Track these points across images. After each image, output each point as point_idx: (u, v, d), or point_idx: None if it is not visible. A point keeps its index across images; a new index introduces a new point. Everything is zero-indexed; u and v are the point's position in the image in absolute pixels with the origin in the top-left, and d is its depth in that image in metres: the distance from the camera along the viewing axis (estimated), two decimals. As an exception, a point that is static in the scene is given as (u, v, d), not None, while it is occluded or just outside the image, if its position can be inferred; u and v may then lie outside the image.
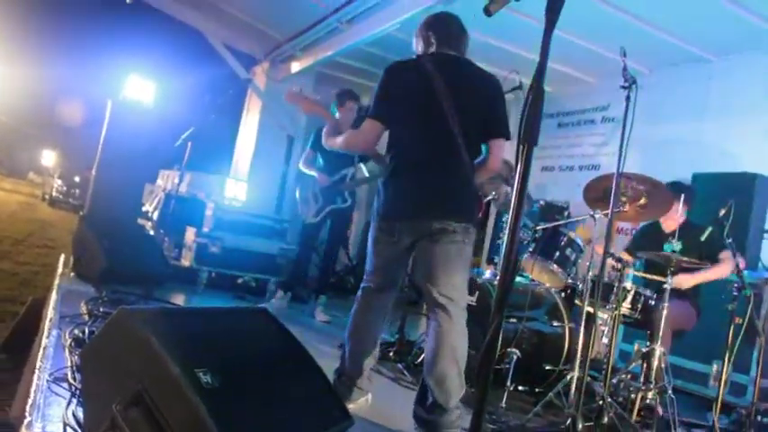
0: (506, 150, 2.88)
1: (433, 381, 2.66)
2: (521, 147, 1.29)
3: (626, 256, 4.17)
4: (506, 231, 1.29)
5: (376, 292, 2.96)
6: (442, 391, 2.65)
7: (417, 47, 3.02)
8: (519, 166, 1.26)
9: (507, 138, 2.86)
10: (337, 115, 5.61)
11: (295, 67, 8.37)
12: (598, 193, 3.78)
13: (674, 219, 4.29)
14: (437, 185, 2.77)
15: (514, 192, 1.25)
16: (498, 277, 1.30)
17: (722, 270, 4.10)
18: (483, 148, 2.86)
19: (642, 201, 3.67)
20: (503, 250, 1.38)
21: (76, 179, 25.93)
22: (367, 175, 5.43)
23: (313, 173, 5.62)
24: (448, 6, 5.10)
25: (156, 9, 8.60)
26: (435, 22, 2.99)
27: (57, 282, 5.09)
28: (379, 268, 2.93)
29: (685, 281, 4.05)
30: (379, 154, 3.03)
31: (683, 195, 4.23)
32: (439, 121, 2.71)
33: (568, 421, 3.20)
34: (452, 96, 2.72)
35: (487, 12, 1.48)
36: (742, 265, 3.82)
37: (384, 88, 2.86)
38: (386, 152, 2.95)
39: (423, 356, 4.20)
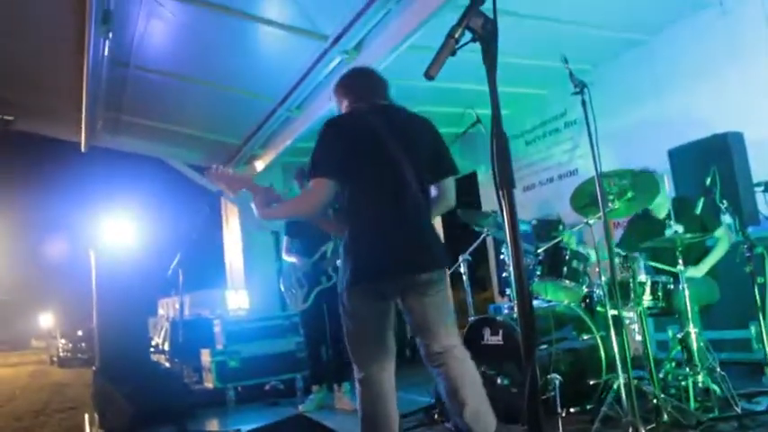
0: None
1: (469, 421, 2.55)
2: (501, 192, 1.30)
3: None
4: (512, 280, 1.28)
5: (382, 372, 2.67)
6: (484, 426, 2.56)
7: (341, 106, 2.92)
8: (504, 210, 1.27)
9: (456, 174, 2.84)
10: None
11: (259, 165, 8.47)
12: (585, 200, 3.81)
13: (663, 202, 4.32)
14: (411, 236, 2.62)
15: (508, 239, 1.25)
16: (521, 331, 1.28)
17: (722, 247, 4.14)
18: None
19: (629, 194, 3.69)
20: (514, 287, 1.35)
21: (79, 333, 25.63)
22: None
23: (293, 259, 5.58)
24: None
25: (112, 150, 8.75)
26: (355, 77, 2.95)
27: (88, 445, 5.00)
28: (377, 342, 2.68)
29: (698, 272, 4.08)
30: (329, 221, 2.85)
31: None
32: (392, 169, 2.63)
33: (630, 430, 3.14)
34: (399, 143, 2.65)
35: (429, 77, 1.51)
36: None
37: (328, 143, 2.68)
38: (341, 213, 2.74)
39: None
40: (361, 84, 2.91)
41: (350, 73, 2.99)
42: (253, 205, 2.86)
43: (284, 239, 5.74)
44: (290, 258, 5.64)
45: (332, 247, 5.43)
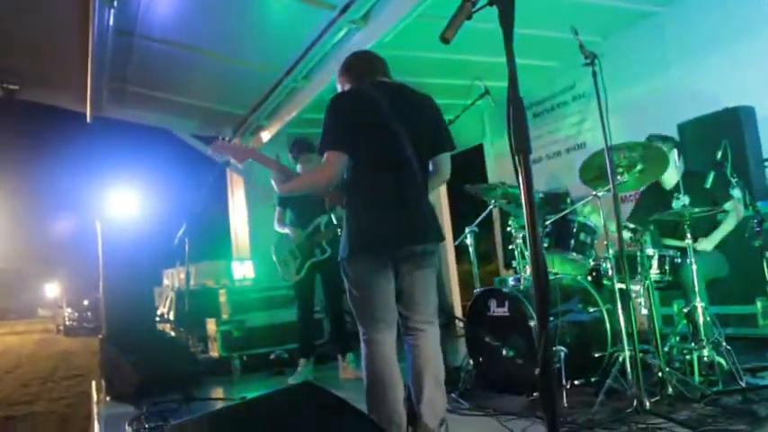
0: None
1: (424, 407, 2.72)
2: (517, 157, 1.29)
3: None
4: (524, 245, 1.26)
5: (387, 331, 2.78)
6: (434, 416, 2.72)
7: (344, 87, 3.04)
8: (520, 175, 1.26)
9: (453, 149, 2.95)
10: (299, 169, 5.44)
11: (265, 136, 8.43)
12: (594, 172, 3.78)
13: (672, 173, 4.28)
14: (409, 211, 2.75)
15: (524, 203, 1.24)
16: (535, 292, 1.27)
17: (731, 221, 4.13)
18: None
19: (639, 166, 3.67)
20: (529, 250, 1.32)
21: (85, 302, 25.86)
22: (335, 222, 5.38)
23: (286, 230, 5.51)
24: (388, 48, 5.20)
25: (118, 120, 8.71)
26: (357, 59, 3.08)
27: (95, 410, 5.05)
28: (382, 306, 2.77)
29: (709, 244, 4.07)
30: (337, 193, 2.91)
31: (675, 147, 4.25)
32: (394, 144, 2.75)
33: (635, 402, 3.16)
34: (400, 119, 2.76)
35: (444, 40, 1.49)
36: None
37: (337, 118, 2.80)
38: (347, 185, 2.83)
39: (472, 380, 4.21)
40: (361, 63, 3.03)
41: (350, 56, 3.11)
42: (273, 182, 2.91)
43: (276, 210, 5.66)
44: (282, 229, 5.57)
45: (326, 219, 5.36)
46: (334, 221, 5.34)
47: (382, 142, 2.76)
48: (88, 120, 8.17)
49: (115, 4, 5.30)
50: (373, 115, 2.77)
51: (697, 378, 3.54)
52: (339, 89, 3.08)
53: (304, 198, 5.28)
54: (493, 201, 4.60)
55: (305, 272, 5.41)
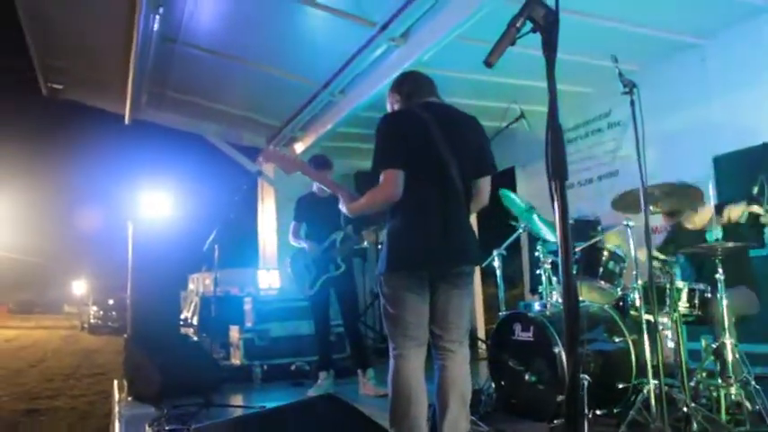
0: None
1: (447, 427, 2.74)
2: (554, 183, 1.31)
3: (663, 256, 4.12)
4: (561, 280, 1.27)
5: (419, 351, 2.82)
6: None
7: (394, 106, 3.10)
8: (556, 201, 1.27)
9: (495, 173, 3.01)
10: (314, 188, 5.45)
11: (299, 147, 8.50)
12: (627, 204, 3.76)
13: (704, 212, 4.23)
14: (451, 232, 2.79)
15: (559, 228, 1.25)
16: (565, 320, 1.28)
17: None
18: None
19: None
20: (560, 289, 1.32)
21: (111, 302, 26.17)
22: (351, 238, 5.39)
23: (302, 244, 5.49)
24: (426, 66, 5.23)
25: (155, 123, 8.89)
26: (407, 79, 3.14)
27: (116, 409, 5.11)
28: (414, 324, 2.80)
29: None
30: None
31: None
32: (440, 165, 2.79)
33: (658, 436, 3.12)
34: (446, 140, 2.81)
35: (488, 64, 1.51)
36: None
37: (388, 137, 2.86)
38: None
39: (492, 403, 4.18)
40: (412, 84, 3.10)
41: (401, 78, 3.19)
42: (341, 205, 3.06)
43: (291, 224, 5.63)
44: (296, 243, 5.55)
45: (341, 236, 5.35)
46: (350, 237, 5.35)
47: (429, 163, 2.80)
48: (127, 122, 8.35)
49: (161, 11, 5.43)
50: (422, 136, 2.81)
51: (723, 416, 3.48)
52: (389, 108, 3.14)
53: (320, 213, 5.34)
54: (522, 225, 4.58)
55: (319, 286, 5.39)
